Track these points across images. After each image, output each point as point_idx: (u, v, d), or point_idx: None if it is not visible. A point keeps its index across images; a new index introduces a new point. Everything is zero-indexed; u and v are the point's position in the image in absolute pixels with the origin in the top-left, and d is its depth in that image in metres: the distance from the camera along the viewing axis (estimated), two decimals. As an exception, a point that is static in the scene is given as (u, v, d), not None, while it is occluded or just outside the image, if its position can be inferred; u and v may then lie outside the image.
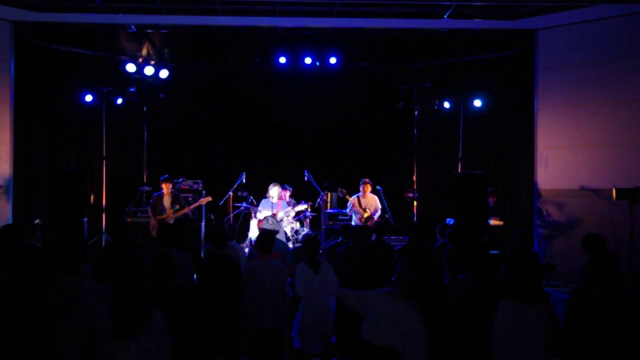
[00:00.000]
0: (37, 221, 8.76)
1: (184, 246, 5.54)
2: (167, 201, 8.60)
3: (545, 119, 9.34)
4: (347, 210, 9.41)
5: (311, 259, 5.32)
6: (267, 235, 5.33)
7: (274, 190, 8.82)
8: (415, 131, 11.25)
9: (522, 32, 9.64)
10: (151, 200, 8.80)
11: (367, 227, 6.86)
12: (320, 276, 5.27)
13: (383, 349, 3.60)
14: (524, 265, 3.91)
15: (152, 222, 8.63)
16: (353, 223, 9.26)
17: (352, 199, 9.20)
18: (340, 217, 9.68)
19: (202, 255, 7.54)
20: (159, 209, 8.56)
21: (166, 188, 8.62)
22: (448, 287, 4.59)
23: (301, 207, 9.24)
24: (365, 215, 9.10)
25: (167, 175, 8.75)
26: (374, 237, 6.25)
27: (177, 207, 8.58)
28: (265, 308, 4.99)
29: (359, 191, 9.31)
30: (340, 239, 6.50)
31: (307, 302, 5.29)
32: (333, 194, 10.36)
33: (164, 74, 10.78)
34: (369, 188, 9.25)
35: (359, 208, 9.15)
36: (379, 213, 9.25)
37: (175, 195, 8.75)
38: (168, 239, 5.25)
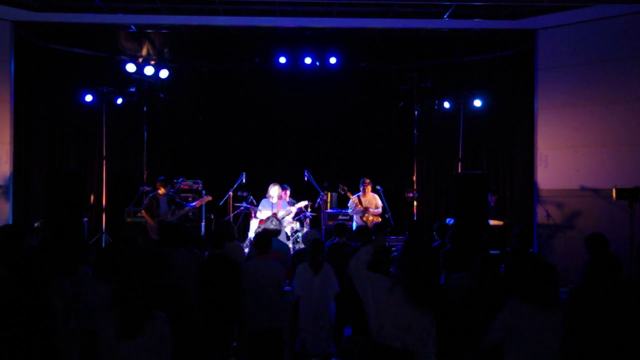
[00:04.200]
0: (36, 224, 8.75)
1: (189, 248, 5.53)
2: (163, 202, 8.50)
3: (545, 119, 9.33)
4: (349, 210, 9.43)
5: (313, 260, 5.32)
6: (264, 235, 5.32)
7: (274, 190, 8.82)
8: (415, 131, 11.26)
9: (522, 32, 9.64)
10: (145, 201, 8.68)
11: (367, 227, 6.85)
12: (319, 278, 5.27)
13: (399, 350, 3.55)
14: (539, 268, 3.81)
15: (149, 223, 8.50)
16: (355, 223, 9.29)
17: (354, 197, 9.25)
18: (340, 217, 9.69)
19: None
20: (154, 210, 8.44)
21: (162, 189, 8.47)
22: (445, 286, 4.59)
23: (301, 203, 9.26)
24: (366, 213, 9.14)
25: (163, 177, 8.65)
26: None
27: (173, 207, 8.51)
28: (262, 308, 4.98)
29: (359, 191, 9.35)
30: (337, 239, 6.48)
31: (305, 303, 5.29)
32: (333, 194, 10.37)
33: (164, 74, 10.79)
34: (369, 187, 9.30)
35: (360, 206, 9.18)
36: (380, 210, 9.27)
37: (171, 197, 8.63)
38: (174, 240, 5.23)
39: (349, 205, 9.49)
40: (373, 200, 9.30)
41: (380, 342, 3.56)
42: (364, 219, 9.16)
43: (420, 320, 3.47)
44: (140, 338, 3.34)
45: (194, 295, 4.88)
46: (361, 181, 9.35)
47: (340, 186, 9.39)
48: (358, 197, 9.28)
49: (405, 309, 3.50)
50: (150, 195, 8.58)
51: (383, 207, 9.43)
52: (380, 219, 9.15)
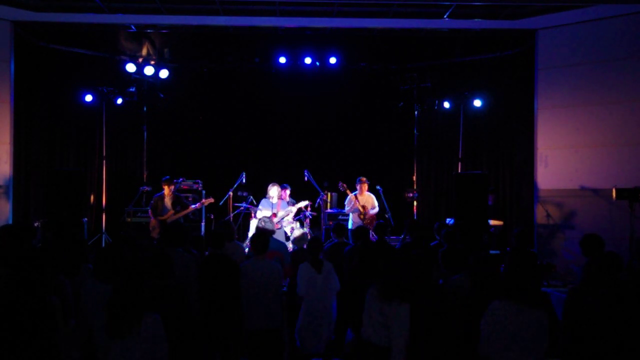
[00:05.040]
0: (36, 224, 8.76)
1: (187, 248, 5.53)
2: (168, 202, 8.59)
3: (545, 119, 9.34)
4: (346, 208, 9.41)
5: (314, 259, 5.32)
6: (261, 235, 5.33)
7: (274, 190, 8.82)
8: (415, 131, 11.27)
9: (522, 32, 9.64)
10: (152, 201, 8.78)
11: (365, 227, 6.85)
12: (322, 276, 5.28)
13: (379, 348, 3.62)
14: (522, 266, 3.89)
15: (153, 222, 8.62)
16: (351, 222, 9.28)
17: (352, 195, 9.25)
18: (340, 217, 9.69)
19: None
20: (159, 209, 8.54)
21: (167, 189, 8.59)
22: (443, 287, 4.59)
23: (301, 203, 9.26)
24: (363, 212, 9.14)
25: (168, 177, 8.74)
26: (374, 238, 6.24)
27: (179, 208, 8.57)
28: (260, 308, 4.98)
29: (356, 189, 9.35)
30: (336, 240, 6.47)
31: (308, 303, 5.29)
32: (333, 193, 10.37)
33: (164, 74, 10.79)
34: (365, 186, 9.27)
35: (357, 205, 9.17)
36: (376, 210, 9.26)
37: (177, 197, 8.72)
38: (173, 240, 5.22)
39: (345, 203, 9.46)
40: (369, 200, 9.27)
41: (365, 338, 3.77)
42: (362, 217, 9.15)
43: (393, 313, 3.59)
44: (132, 338, 3.34)
45: (194, 295, 4.89)
46: (357, 179, 9.32)
47: (340, 183, 9.39)
48: (356, 195, 9.28)
49: (378, 304, 3.64)
50: (157, 195, 8.67)
51: (382, 207, 9.41)
52: (375, 219, 9.14)
